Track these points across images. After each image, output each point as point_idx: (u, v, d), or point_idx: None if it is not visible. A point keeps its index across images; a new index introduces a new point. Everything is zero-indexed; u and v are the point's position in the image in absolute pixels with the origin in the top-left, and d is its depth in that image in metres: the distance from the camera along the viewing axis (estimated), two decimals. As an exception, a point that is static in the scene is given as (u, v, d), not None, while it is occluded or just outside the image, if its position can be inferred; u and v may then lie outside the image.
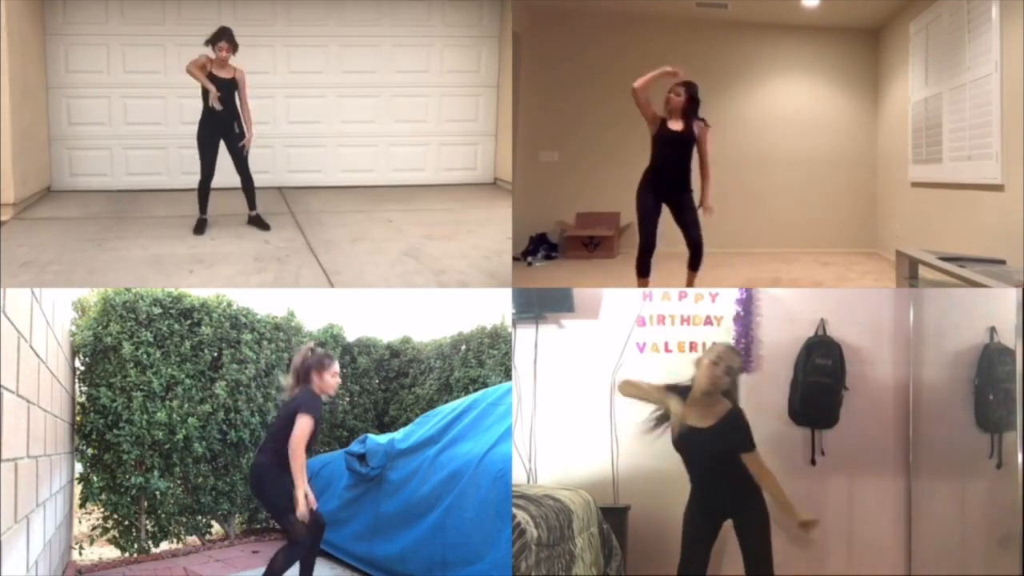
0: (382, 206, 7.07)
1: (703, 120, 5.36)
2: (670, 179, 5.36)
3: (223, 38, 5.85)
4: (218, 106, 5.84)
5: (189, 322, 5.78)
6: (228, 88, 5.90)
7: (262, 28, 7.38)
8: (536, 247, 8.44)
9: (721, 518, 4.15)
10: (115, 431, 5.26)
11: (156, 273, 5.37)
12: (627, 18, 8.64)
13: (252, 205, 6.24)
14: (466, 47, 7.80)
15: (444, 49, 7.78)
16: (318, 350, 4.18)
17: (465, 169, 7.99)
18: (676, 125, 5.34)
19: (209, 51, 5.86)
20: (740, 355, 4.17)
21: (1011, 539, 4.67)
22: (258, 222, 6.23)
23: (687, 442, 4.08)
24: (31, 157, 6.68)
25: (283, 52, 7.47)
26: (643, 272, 5.47)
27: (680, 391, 4.16)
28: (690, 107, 5.32)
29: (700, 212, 5.38)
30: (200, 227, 6.11)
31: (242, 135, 6.00)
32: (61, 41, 7.12)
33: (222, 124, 5.94)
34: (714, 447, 4.04)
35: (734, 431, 4.05)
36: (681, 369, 5.17)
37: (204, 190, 6.07)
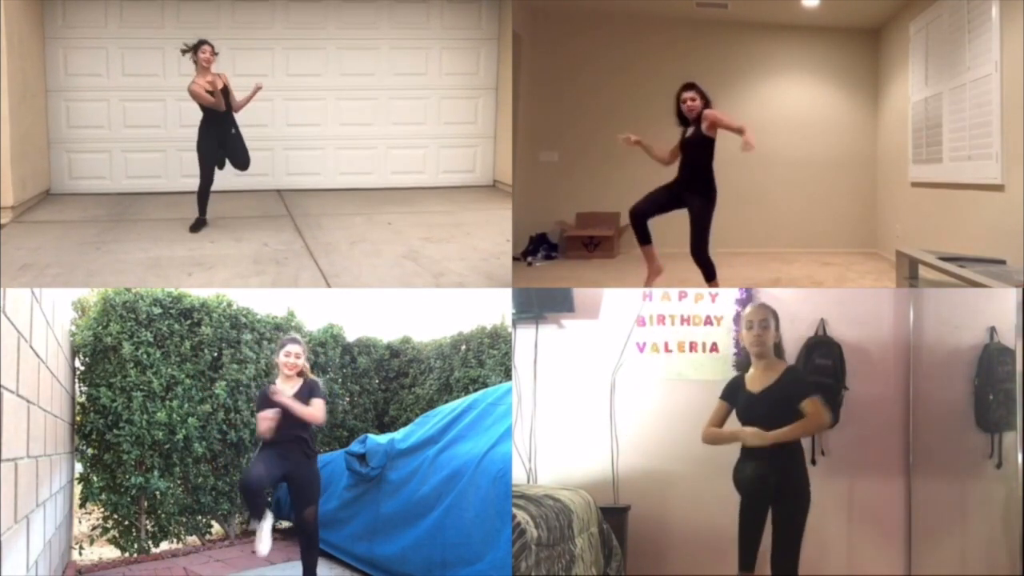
0: (381, 209, 7.07)
1: (705, 114, 5.21)
2: (690, 180, 5.26)
3: (206, 43, 5.82)
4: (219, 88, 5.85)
5: (189, 322, 5.79)
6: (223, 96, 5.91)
7: (261, 31, 7.40)
8: (536, 247, 8.44)
9: (769, 494, 3.99)
10: (115, 431, 5.26)
11: (155, 276, 5.37)
12: (627, 18, 8.65)
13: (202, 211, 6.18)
14: (465, 49, 7.81)
15: (443, 51, 7.79)
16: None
17: (464, 171, 8.00)
18: (688, 133, 5.29)
19: (193, 63, 5.83)
20: (769, 307, 4.11)
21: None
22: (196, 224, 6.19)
23: (751, 407, 4.04)
24: (30, 160, 6.69)
25: (281, 55, 7.49)
26: (641, 239, 5.43)
27: (733, 387, 4.15)
28: (705, 108, 5.22)
29: (745, 146, 5.09)
30: (197, 226, 6.12)
31: (238, 134, 6.00)
32: (60, 44, 7.14)
33: (219, 130, 5.95)
34: (774, 403, 4.00)
35: (795, 382, 4.06)
36: (681, 369, 5.21)
37: (204, 194, 6.09)
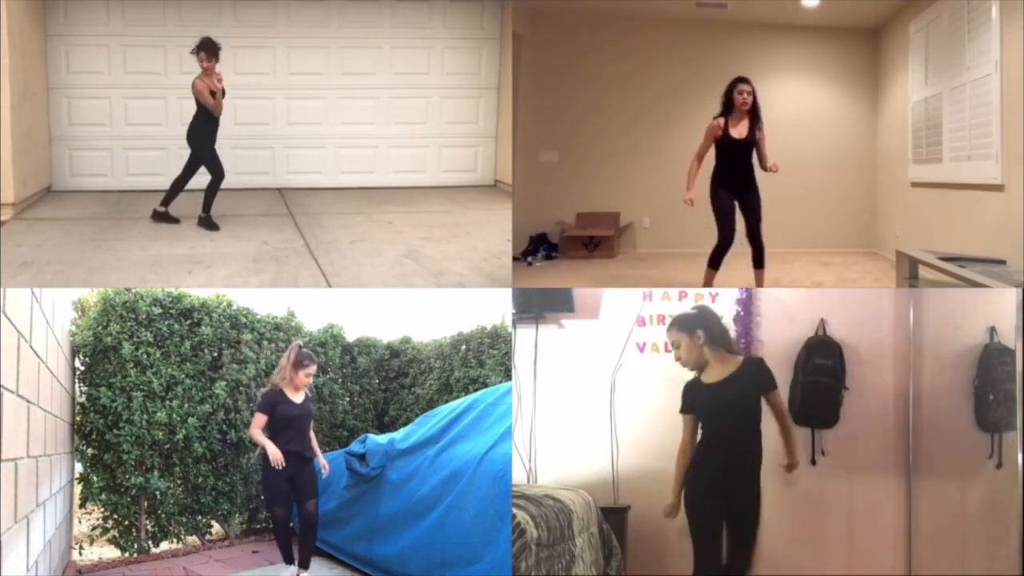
0: (382, 208, 7.07)
1: (761, 125, 5.61)
2: (737, 180, 5.63)
3: (203, 49, 5.88)
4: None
5: (189, 322, 5.79)
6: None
7: (262, 30, 7.40)
8: (536, 247, 8.45)
9: (723, 495, 4.00)
10: (115, 431, 5.26)
11: (154, 274, 5.37)
12: (627, 18, 8.65)
13: (207, 207, 6.22)
14: (466, 49, 7.81)
15: (444, 51, 7.78)
16: (305, 349, 4.84)
17: (465, 171, 8.00)
18: (738, 132, 5.55)
19: (195, 61, 5.91)
20: (678, 323, 4.05)
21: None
22: (208, 223, 6.20)
23: (705, 399, 3.99)
24: (32, 157, 6.69)
25: (283, 54, 7.48)
26: (715, 264, 5.70)
27: (690, 393, 4.08)
28: (755, 106, 5.56)
29: (771, 168, 5.67)
30: (212, 225, 6.15)
31: None
32: (62, 42, 7.14)
33: (214, 129, 6.04)
34: (734, 394, 3.96)
35: (757, 374, 4.02)
36: (681, 369, 5.19)
37: (179, 189, 6.16)
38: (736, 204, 5.68)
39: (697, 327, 4.02)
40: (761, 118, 5.60)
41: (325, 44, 7.61)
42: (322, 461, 4.85)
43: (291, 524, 4.71)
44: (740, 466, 3.98)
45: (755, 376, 4.02)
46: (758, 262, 5.76)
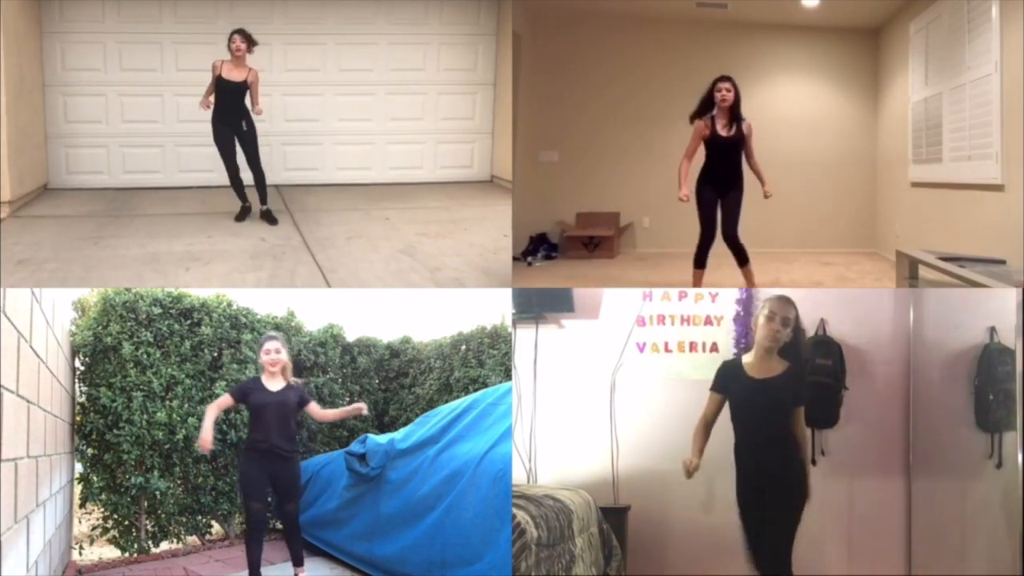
0: (379, 204, 7.06)
1: (747, 120, 5.64)
2: (724, 178, 5.65)
3: (236, 33, 5.91)
4: (204, 108, 5.94)
5: (189, 322, 5.77)
6: (238, 90, 5.94)
7: (259, 26, 7.31)
8: (536, 247, 8.45)
9: (765, 488, 3.97)
10: (115, 431, 5.25)
11: (152, 271, 5.35)
12: (627, 18, 8.65)
13: (263, 200, 6.30)
14: (463, 45, 7.79)
15: (440, 47, 7.77)
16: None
17: (462, 167, 7.99)
18: (726, 130, 5.60)
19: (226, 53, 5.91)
20: (793, 304, 4.00)
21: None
22: (268, 217, 6.26)
23: (748, 394, 3.98)
24: (28, 155, 6.66)
25: (280, 50, 7.45)
26: (699, 263, 5.71)
27: (728, 375, 4.08)
28: (736, 104, 5.60)
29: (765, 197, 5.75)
30: (243, 214, 6.23)
31: (251, 132, 6.05)
32: (58, 39, 7.10)
33: (232, 122, 5.99)
34: (773, 397, 3.95)
35: (797, 385, 4.00)
36: (681, 369, 5.21)
37: (235, 183, 6.19)
38: (715, 203, 5.70)
39: (796, 315, 4.01)
40: (741, 116, 5.62)
41: (322, 41, 7.58)
42: (352, 408, 4.73)
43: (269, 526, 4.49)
44: (784, 462, 3.96)
45: (795, 386, 4.01)
46: (741, 260, 5.75)
